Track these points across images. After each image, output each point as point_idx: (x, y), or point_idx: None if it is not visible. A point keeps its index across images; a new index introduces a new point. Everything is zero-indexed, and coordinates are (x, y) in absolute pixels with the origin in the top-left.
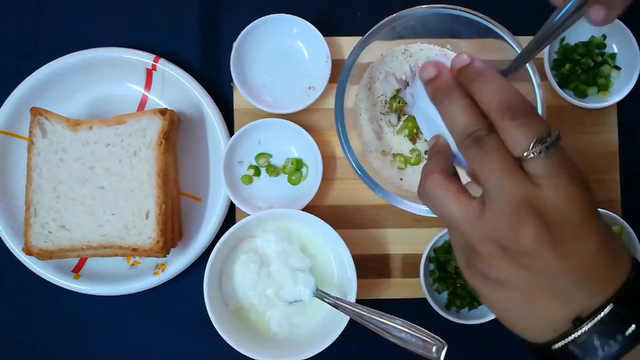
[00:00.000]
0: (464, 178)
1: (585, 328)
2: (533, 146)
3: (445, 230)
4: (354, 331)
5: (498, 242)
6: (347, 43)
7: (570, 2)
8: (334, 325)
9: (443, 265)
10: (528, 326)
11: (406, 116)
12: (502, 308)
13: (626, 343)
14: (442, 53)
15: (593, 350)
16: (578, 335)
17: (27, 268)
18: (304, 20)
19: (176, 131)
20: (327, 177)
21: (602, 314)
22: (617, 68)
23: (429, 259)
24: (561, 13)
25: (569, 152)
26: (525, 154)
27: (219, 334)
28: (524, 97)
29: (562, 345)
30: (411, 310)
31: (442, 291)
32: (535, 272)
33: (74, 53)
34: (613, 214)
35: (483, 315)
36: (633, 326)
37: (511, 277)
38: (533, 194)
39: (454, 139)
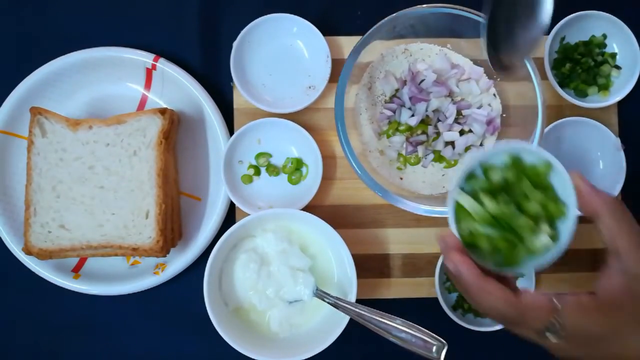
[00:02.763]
0: None
1: None
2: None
3: None
4: (354, 331)
5: None
6: (347, 42)
7: None
8: (334, 325)
9: None
10: None
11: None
12: None
13: None
14: (442, 52)
15: None
16: None
17: (27, 268)
18: (304, 20)
19: (176, 131)
20: (327, 176)
21: None
22: (618, 67)
23: None
24: None
25: None
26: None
27: (219, 334)
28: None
29: None
30: (411, 309)
31: (452, 291)
32: None
33: (73, 52)
34: None
35: (486, 325)
36: None
37: None
38: None
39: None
